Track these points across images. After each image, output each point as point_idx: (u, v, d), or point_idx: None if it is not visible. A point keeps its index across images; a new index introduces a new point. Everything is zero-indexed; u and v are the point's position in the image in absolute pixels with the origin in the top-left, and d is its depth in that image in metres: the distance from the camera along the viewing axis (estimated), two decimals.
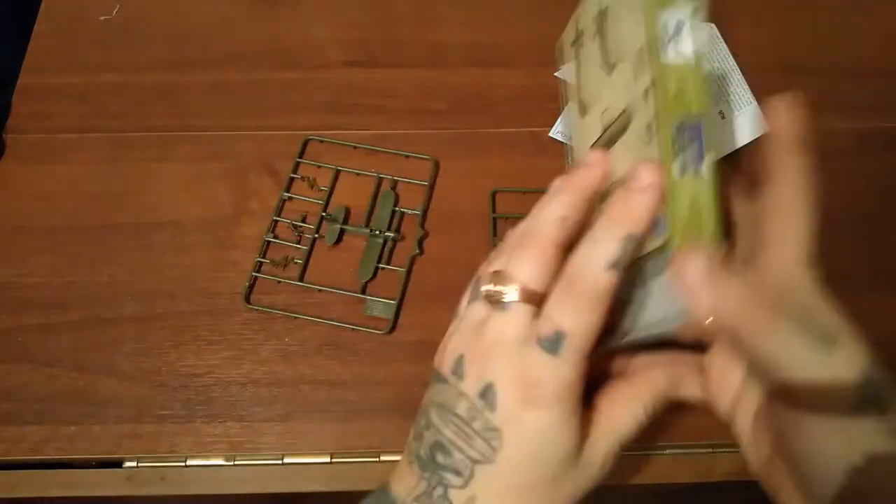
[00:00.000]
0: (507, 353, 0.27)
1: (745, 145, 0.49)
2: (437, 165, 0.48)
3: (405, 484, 0.29)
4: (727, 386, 0.30)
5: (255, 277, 0.44)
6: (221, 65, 0.53)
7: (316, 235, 0.45)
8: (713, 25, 0.51)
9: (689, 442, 0.40)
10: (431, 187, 0.48)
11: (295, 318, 0.43)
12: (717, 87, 0.50)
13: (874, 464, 0.23)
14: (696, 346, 0.31)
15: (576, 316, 0.26)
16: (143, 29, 0.55)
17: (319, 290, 0.44)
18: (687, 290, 0.25)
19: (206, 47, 0.54)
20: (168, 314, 0.43)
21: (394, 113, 0.51)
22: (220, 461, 0.39)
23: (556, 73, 0.53)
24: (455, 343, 0.29)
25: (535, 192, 0.47)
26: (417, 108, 0.51)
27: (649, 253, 0.27)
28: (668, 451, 0.40)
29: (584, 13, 0.32)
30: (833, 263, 0.42)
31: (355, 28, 0.55)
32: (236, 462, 0.39)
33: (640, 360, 0.33)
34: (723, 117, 0.49)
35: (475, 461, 0.27)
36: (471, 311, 0.29)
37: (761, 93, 0.51)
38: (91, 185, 0.48)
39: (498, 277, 0.28)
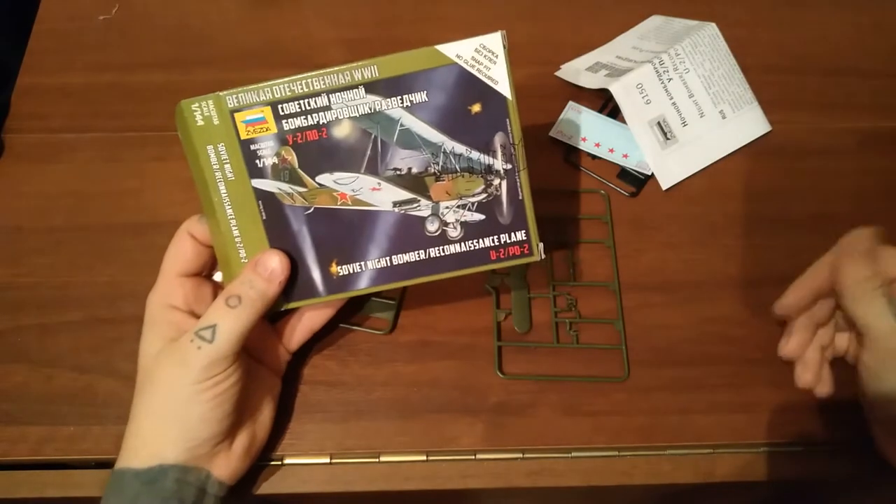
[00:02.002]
0: None
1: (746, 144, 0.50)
2: None
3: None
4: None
5: None
6: (221, 65, 0.53)
7: None
8: (714, 25, 0.51)
9: (689, 442, 0.40)
10: None
11: None
12: (718, 87, 0.50)
13: None
14: None
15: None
16: (143, 29, 0.55)
17: None
18: None
19: (206, 47, 0.54)
20: None
21: None
22: None
23: (556, 73, 0.53)
24: None
25: (534, 192, 0.47)
26: None
27: None
28: (668, 452, 0.40)
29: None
30: None
31: (355, 28, 0.55)
32: None
33: None
34: (723, 117, 0.49)
35: None
36: None
37: (761, 93, 0.51)
38: (90, 185, 0.48)
39: None
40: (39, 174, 0.48)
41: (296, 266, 0.36)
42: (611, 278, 0.44)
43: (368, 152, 0.35)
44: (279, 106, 0.34)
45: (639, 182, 0.48)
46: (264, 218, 0.35)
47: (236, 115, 0.34)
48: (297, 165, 0.35)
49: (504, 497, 0.41)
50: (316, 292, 0.36)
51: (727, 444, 0.40)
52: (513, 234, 0.36)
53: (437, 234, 0.36)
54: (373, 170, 0.35)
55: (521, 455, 0.40)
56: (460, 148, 0.35)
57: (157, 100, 0.51)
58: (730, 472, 0.39)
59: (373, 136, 0.35)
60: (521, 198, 0.36)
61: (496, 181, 0.35)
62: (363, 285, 0.36)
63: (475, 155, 0.35)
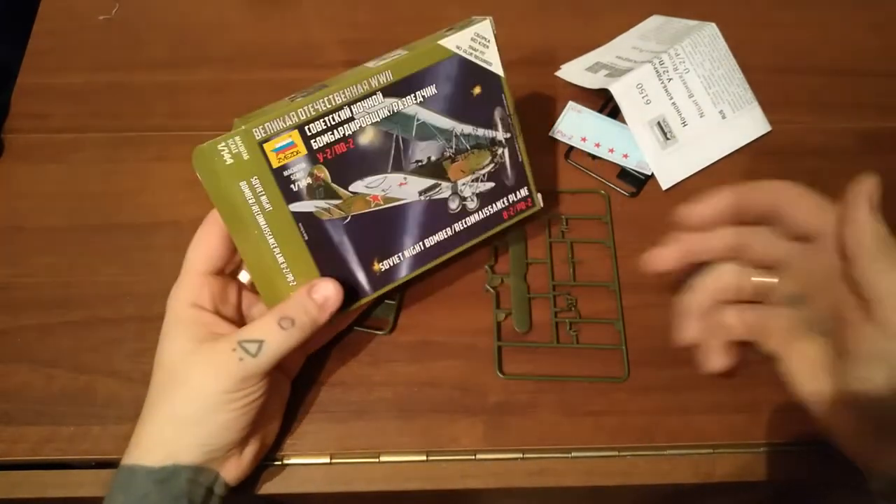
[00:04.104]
0: None
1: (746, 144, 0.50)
2: None
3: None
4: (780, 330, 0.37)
5: None
6: (221, 65, 0.53)
7: None
8: (714, 25, 0.51)
9: (689, 442, 0.40)
10: None
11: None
12: (718, 87, 0.50)
13: None
14: None
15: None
16: (143, 28, 0.55)
17: None
18: None
19: (205, 47, 0.54)
20: None
21: None
22: None
23: (556, 73, 0.53)
24: None
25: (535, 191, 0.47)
26: None
27: None
28: (668, 452, 0.40)
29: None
30: None
31: (355, 28, 0.55)
32: None
33: None
34: (723, 117, 0.49)
35: None
36: None
37: (761, 93, 0.51)
38: (90, 185, 0.48)
39: None
40: (39, 174, 0.48)
41: (343, 275, 0.37)
42: (611, 278, 0.44)
43: (392, 151, 0.36)
44: (306, 127, 0.34)
45: (639, 182, 0.48)
46: (306, 239, 0.36)
47: (265, 145, 0.34)
48: (330, 180, 0.35)
49: (504, 497, 0.41)
50: (364, 293, 0.38)
51: (727, 444, 0.40)
52: (517, 192, 0.40)
53: (458, 209, 0.39)
54: (398, 167, 0.37)
55: (521, 455, 0.40)
56: (468, 128, 0.38)
57: (157, 100, 0.51)
58: (730, 472, 0.39)
59: (394, 136, 0.36)
60: (520, 160, 0.40)
61: (499, 150, 0.39)
62: (403, 273, 0.39)
63: (481, 132, 0.38)
